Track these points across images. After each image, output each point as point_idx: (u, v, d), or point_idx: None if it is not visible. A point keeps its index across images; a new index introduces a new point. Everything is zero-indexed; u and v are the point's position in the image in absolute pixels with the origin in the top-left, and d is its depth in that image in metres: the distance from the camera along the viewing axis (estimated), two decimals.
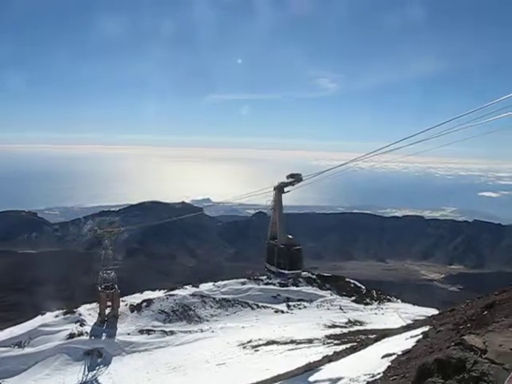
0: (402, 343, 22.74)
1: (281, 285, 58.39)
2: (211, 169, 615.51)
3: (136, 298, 53.45)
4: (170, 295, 53.47)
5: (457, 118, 24.01)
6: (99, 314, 49.23)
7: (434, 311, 44.05)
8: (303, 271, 46.84)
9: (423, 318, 38.77)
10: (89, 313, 49.93)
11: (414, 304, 59.66)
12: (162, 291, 55.84)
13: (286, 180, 37.25)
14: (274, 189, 38.17)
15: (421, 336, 21.64)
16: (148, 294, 54.99)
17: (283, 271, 36.77)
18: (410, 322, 40.49)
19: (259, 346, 41.33)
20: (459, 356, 6.78)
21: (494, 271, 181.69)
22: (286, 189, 37.71)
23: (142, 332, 47.10)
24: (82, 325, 46.74)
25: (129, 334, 46.59)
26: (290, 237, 39.60)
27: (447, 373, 6.78)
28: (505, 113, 22.72)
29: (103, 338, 45.63)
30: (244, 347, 41.67)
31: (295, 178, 36.29)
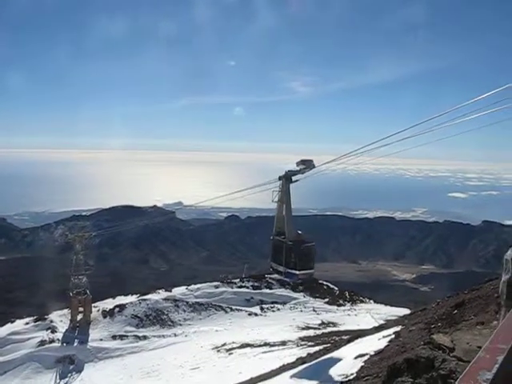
0: (375, 343, 22.97)
1: (254, 287, 58.48)
2: (183, 172, 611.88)
3: (108, 304, 52.98)
4: (142, 300, 53.11)
5: (425, 121, 24.46)
6: (71, 320, 48.67)
7: (406, 311, 44.53)
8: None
9: (395, 318, 39.19)
10: (60, 319, 49.33)
11: (386, 304, 60.23)
12: (135, 296, 55.44)
13: (295, 168, 33.19)
14: (280, 178, 34.08)
15: (393, 336, 21.88)
16: (120, 299, 54.55)
17: (293, 271, 31.97)
18: (382, 322, 40.86)
19: (233, 349, 41.32)
20: (428, 355, 6.91)
21: (464, 271, 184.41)
22: (294, 177, 33.48)
23: (114, 337, 46.72)
24: (53, 332, 46.18)
25: (101, 339, 46.16)
26: (299, 232, 34.15)
27: (417, 372, 6.92)
28: (471, 116, 23.20)
29: (75, 344, 45.13)
30: (218, 351, 41.61)
31: (306, 165, 32.18)
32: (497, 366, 2.15)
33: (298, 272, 31.55)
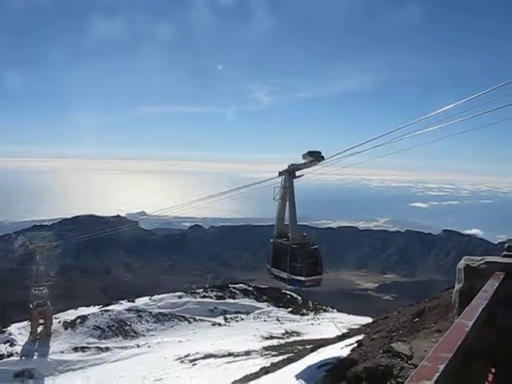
0: (338, 352, 23.23)
1: (217, 297, 58.37)
2: (146, 182, 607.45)
3: (70, 315, 52.18)
4: (105, 311, 52.50)
5: (389, 133, 24.96)
6: (31, 333, 47.73)
7: (369, 320, 44.93)
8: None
9: (358, 326, 39.53)
10: (19, 332, 48.34)
11: (349, 313, 60.80)
12: (97, 307, 54.77)
13: (300, 161, 29.47)
14: (280, 173, 30.39)
15: (355, 345, 22.11)
16: (82, 310, 53.80)
17: (300, 278, 28.30)
18: (345, 331, 41.15)
19: (197, 359, 41.14)
20: (387, 363, 7.10)
21: (425, 279, 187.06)
22: (298, 172, 29.96)
23: (76, 349, 45.99)
24: (12, 345, 45.22)
25: (62, 352, 45.37)
26: (304, 234, 31.00)
27: (376, 380, 7.10)
28: (434, 126, 23.78)
29: (35, 357, 44.23)
30: (181, 361, 41.37)
31: (314, 157, 28.50)
32: (438, 374, 2.26)
33: (304, 278, 28.30)
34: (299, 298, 63.34)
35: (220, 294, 59.63)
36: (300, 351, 34.23)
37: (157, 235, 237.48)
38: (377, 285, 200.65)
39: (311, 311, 58.66)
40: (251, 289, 63.06)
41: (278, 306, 58.70)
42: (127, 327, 50.33)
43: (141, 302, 56.02)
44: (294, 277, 28.48)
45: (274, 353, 39.01)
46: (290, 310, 58.12)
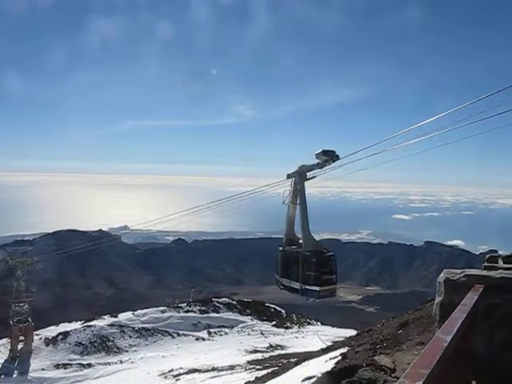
0: (322, 366, 23.20)
1: (201, 312, 58.09)
2: (128, 196, 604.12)
3: (51, 331, 51.61)
4: (87, 326, 52.00)
5: (370, 146, 25.15)
6: (10, 350, 47.10)
7: (353, 332, 44.95)
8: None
9: (342, 339, 39.59)
10: None
11: (333, 326, 60.80)
12: (79, 322, 54.26)
13: (313, 161, 27.17)
14: (289, 176, 28.29)
15: (340, 357, 22.11)
16: (64, 326, 53.26)
17: (313, 287, 25.93)
18: (329, 343, 41.10)
19: (180, 374, 40.83)
20: (370, 376, 7.13)
21: (408, 291, 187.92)
22: (310, 174, 27.60)
23: (57, 366, 45.41)
24: None
25: (43, 369, 44.77)
26: (317, 240, 28.96)
27: None
28: (415, 139, 24.05)
29: (14, 375, 43.57)
30: (165, 377, 41.02)
31: (328, 157, 26.35)
32: None
33: (319, 288, 25.86)
34: (283, 311, 63.32)
35: (203, 308, 59.36)
36: (284, 365, 34.14)
37: (139, 249, 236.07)
38: (360, 297, 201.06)
39: (295, 324, 58.58)
40: (235, 302, 62.88)
41: (262, 320, 58.56)
42: (110, 343, 49.85)
43: (124, 317, 55.57)
44: (308, 287, 26.26)
45: (258, 367, 38.84)
46: (273, 323, 58.00)
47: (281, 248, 29.27)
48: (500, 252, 15.45)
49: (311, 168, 26.75)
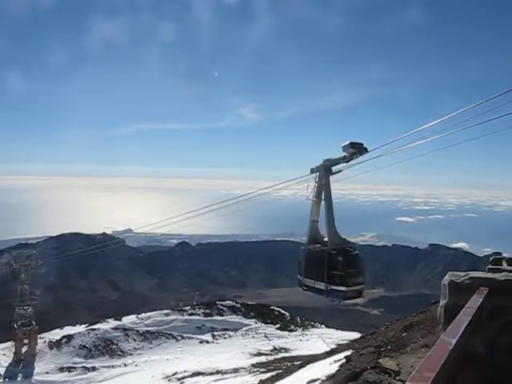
0: (326, 368, 23.16)
1: (205, 315, 58.07)
2: (133, 199, 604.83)
3: (55, 334, 51.65)
4: (91, 330, 52.02)
5: (375, 149, 25.08)
6: (15, 353, 47.12)
7: (357, 335, 44.82)
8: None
9: (347, 342, 39.46)
10: (3, 353, 47.74)
11: (337, 329, 60.71)
12: (83, 326, 54.31)
13: (340, 154, 25.85)
14: (312, 170, 26.83)
15: (344, 360, 22.05)
16: (68, 330, 53.30)
17: (340, 288, 24.61)
18: (334, 346, 41.04)
19: (184, 378, 40.80)
20: (374, 379, 7.10)
21: (413, 293, 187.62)
22: (335, 168, 26.31)
23: (61, 370, 45.44)
24: None
25: (48, 372, 44.81)
26: (344, 238, 27.09)
27: None
28: (419, 141, 24.04)
29: (19, 379, 43.61)
30: (169, 380, 41.01)
31: (356, 150, 24.93)
32: None
33: (345, 288, 24.64)
34: (287, 314, 63.25)
35: (207, 311, 59.35)
36: (288, 367, 34.08)
37: (143, 252, 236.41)
38: (365, 300, 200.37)
39: (299, 327, 58.50)
40: (239, 305, 62.85)
41: (266, 323, 58.49)
42: (114, 346, 49.86)
43: (128, 320, 55.61)
44: (334, 287, 24.91)
45: (262, 370, 38.78)
46: (277, 326, 57.92)
47: (303, 247, 28.26)
48: (504, 254, 15.41)
49: (337, 162, 25.70)
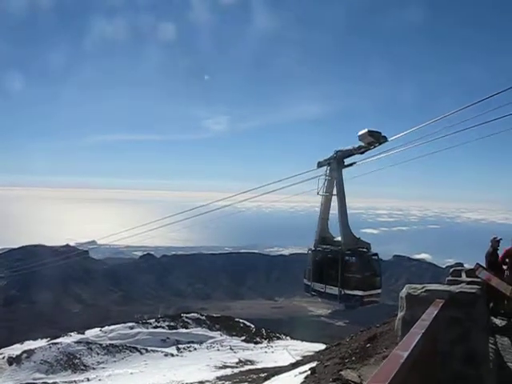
0: (291, 380, 23.26)
1: (170, 327, 57.60)
2: (96, 210, 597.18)
3: (15, 349, 50.45)
4: (53, 344, 50.97)
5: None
6: None
7: (322, 346, 44.99)
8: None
9: (312, 353, 39.61)
10: None
11: (303, 340, 60.76)
12: (45, 340, 53.21)
13: (352, 145, 23.67)
14: (320, 164, 24.62)
15: (309, 372, 22.16)
16: (29, 344, 52.13)
17: (356, 292, 22.51)
18: (299, 358, 41.12)
19: None
20: None
21: (377, 304, 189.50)
22: (348, 160, 24.31)
23: None
24: None
25: None
26: (358, 237, 24.81)
27: None
28: (382, 155, 24.47)
29: None
30: None
31: (374, 138, 22.64)
32: None
33: (362, 293, 22.68)
34: (252, 326, 63.16)
35: (172, 323, 58.87)
36: (254, 380, 34.09)
37: (107, 264, 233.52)
38: (329, 311, 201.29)
39: (265, 339, 58.40)
40: (204, 318, 62.52)
41: (231, 335, 58.29)
42: (76, 360, 48.94)
43: (91, 333, 54.75)
44: (349, 292, 22.91)
45: (227, 382, 38.62)
46: (243, 338, 57.75)
47: (312, 248, 26.09)
48: (465, 265, 15.86)
49: (350, 153, 24.00)
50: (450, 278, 8.68)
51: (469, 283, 7.10)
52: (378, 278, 24.36)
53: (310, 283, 25.50)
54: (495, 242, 16.16)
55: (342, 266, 23.17)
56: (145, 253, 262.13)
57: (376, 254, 24.66)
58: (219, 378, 41.45)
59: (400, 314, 6.31)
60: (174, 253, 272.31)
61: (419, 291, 6.27)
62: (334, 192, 25.30)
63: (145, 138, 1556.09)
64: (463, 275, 11.58)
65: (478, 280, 8.84)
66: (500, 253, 16.05)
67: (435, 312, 5.04)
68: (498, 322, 13.45)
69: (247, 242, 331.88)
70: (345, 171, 24.97)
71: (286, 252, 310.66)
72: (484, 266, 14.56)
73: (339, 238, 24.92)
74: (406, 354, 3.12)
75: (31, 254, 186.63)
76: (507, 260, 15.90)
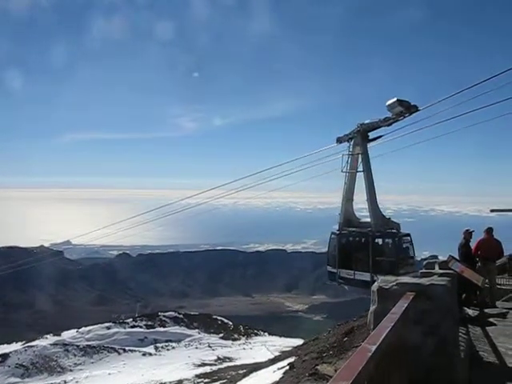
0: (270, 376, 23.35)
1: (147, 327, 57.36)
2: (70, 210, 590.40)
3: None
4: (28, 347, 50.35)
5: (312, 154, 25.47)
6: None
7: (300, 341, 45.20)
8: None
9: (290, 349, 39.80)
10: None
11: (281, 336, 61.07)
12: (20, 343, 52.57)
13: (379, 117, 21.93)
14: (339, 140, 23.21)
15: (287, 367, 22.28)
16: (3, 348, 51.48)
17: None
18: (277, 354, 41.31)
19: None
20: None
21: (354, 298, 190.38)
22: (372, 134, 22.74)
23: None
24: None
25: None
26: (388, 217, 22.96)
27: None
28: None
29: None
30: None
31: (404, 108, 20.73)
32: None
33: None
34: (230, 323, 63.22)
35: (150, 322, 58.63)
36: (233, 377, 34.11)
37: (83, 265, 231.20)
38: (307, 306, 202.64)
39: (243, 336, 58.53)
40: (181, 316, 62.37)
41: (209, 333, 58.28)
42: (53, 363, 48.40)
43: (67, 335, 54.24)
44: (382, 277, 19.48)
45: (206, 380, 38.62)
46: (221, 335, 57.79)
47: (337, 231, 24.54)
48: (440, 257, 16.07)
49: (376, 125, 22.37)
50: (423, 270, 8.80)
51: (441, 275, 7.21)
52: (412, 259, 22.54)
53: (336, 270, 23.83)
54: (467, 234, 16.45)
55: (372, 249, 21.60)
56: (120, 252, 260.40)
57: (408, 235, 22.72)
58: (198, 376, 41.42)
59: (372, 308, 6.40)
60: (150, 251, 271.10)
61: (391, 284, 6.36)
62: (360, 168, 23.57)
63: (121, 137, 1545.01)
64: (436, 267, 11.76)
65: (451, 272, 8.98)
66: (472, 244, 16.33)
67: (405, 305, 5.12)
68: (471, 312, 13.67)
69: (224, 239, 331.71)
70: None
71: (262, 248, 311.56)
72: (457, 257, 14.84)
73: (366, 220, 23.55)
74: (373, 348, 3.17)
75: (5, 255, 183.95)
76: (479, 252, 16.21)
